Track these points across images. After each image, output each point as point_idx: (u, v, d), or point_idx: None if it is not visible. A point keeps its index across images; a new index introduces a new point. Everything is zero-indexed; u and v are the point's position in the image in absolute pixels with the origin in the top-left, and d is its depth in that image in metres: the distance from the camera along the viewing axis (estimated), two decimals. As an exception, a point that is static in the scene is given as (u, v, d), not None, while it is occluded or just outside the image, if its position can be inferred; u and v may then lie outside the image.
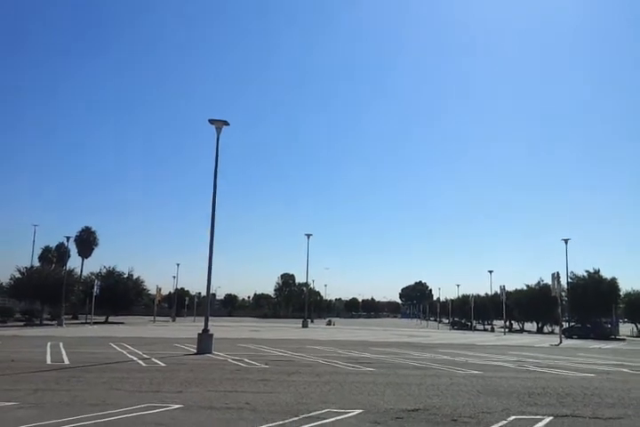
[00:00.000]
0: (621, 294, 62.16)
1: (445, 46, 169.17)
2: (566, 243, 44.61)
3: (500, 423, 8.31)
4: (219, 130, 22.76)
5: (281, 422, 8.01)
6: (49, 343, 23.50)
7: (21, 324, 48.66)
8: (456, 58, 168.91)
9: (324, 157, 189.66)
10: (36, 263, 67.73)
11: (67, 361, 16.79)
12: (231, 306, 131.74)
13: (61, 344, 23.20)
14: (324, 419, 8.34)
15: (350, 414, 8.79)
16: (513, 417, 8.85)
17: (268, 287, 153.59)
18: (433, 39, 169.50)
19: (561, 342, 36.26)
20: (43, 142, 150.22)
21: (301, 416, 8.51)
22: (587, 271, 61.33)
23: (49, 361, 16.79)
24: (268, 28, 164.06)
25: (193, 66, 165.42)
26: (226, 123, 22.75)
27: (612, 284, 60.00)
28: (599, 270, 61.03)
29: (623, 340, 47.63)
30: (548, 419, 8.77)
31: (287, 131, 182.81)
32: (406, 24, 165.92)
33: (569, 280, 56.85)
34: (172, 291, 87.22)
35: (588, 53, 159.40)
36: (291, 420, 8.23)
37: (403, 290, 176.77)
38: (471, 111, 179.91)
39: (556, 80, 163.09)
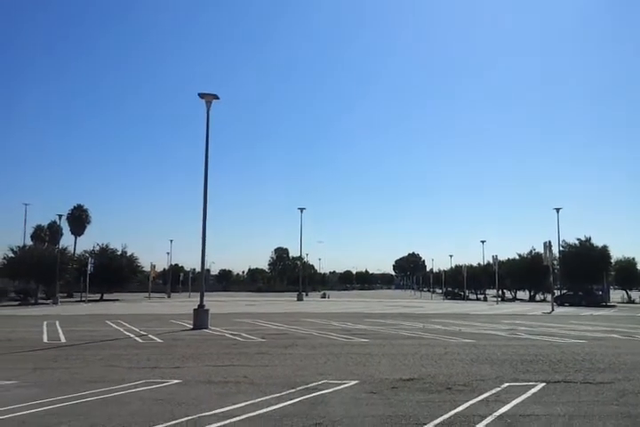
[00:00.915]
0: (612, 261, 62.91)
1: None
2: (558, 212, 44.86)
3: (494, 390, 8.47)
4: (209, 104, 22.48)
5: (279, 395, 8.12)
6: (45, 322, 23.57)
7: (16, 303, 48.69)
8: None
9: (317, 131, 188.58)
10: (29, 242, 67.67)
11: (64, 339, 16.87)
12: (226, 281, 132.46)
13: (57, 323, 23.28)
14: (322, 390, 8.46)
15: (347, 385, 8.92)
16: (506, 384, 9.01)
17: (263, 262, 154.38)
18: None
19: (553, 310, 36.76)
20: (34, 120, 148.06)
21: (299, 388, 8.63)
22: (578, 240, 61.90)
23: (46, 340, 16.85)
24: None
25: (190, 47, 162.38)
26: (215, 97, 22.46)
27: (604, 251, 60.62)
28: (590, 238, 61.63)
29: (614, 306, 48.38)
30: (540, 385, 8.95)
31: (281, 106, 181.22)
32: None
33: (560, 249, 57.44)
34: (167, 267, 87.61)
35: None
36: (288, 392, 8.34)
37: (396, 262, 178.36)
38: (470, 85, 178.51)
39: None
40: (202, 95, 22.39)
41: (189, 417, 6.73)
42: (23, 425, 6.42)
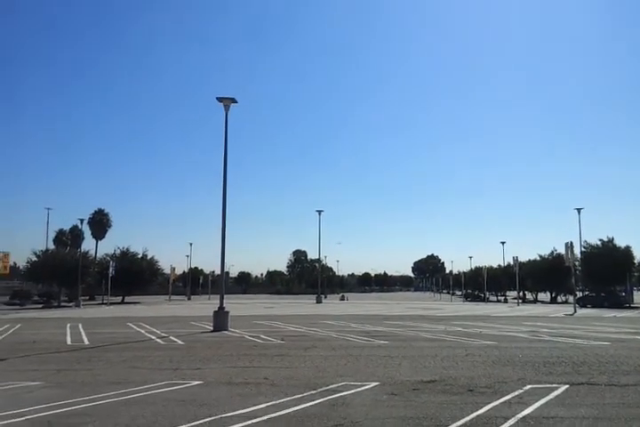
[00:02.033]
0: (636, 262, 61.88)
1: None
2: (579, 212, 44.32)
3: (516, 393, 8.39)
4: (227, 107, 22.65)
5: (300, 396, 8.13)
6: (68, 324, 23.88)
7: (40, 306, 49.44)
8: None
9: (335, 131, 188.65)
10: (51, 246, 68.58)
11: (86, 341, 17.08)
12: (245, 284, 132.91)
13: (80, 325, 23.57)
14: (342, 392, 8.45)
15: (367, 387, 8.90)
16: (529, 386, 8.92)
17: (281, 264, 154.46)
18: None
19: (575, 312, 36.30)
20: (54, 126, 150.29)
21: (319, 390, 8.64)
22: (600, 240, 60.99)
23: (69, 342, 17.08)
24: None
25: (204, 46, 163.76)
26: (234, 100, 22.63)
27: (627, 252, 59.62)
28: (613, 239, 60.65)
29: (638, 308, 47.61)
30: (563, 387, 8.84)
31: (297, 107, 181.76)
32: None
33: (582, 249, 56.60)
34: (186, 270, 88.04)
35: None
36: (309, 393, 8.35)
37: (415, 264, 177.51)
38: (492, 82, 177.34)
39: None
40: (220, 99, 22.57)
41: (212, 418, 6.78)
42: (48, 425, 6.52)
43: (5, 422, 6.67)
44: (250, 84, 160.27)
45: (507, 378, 9.75)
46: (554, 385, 9.02)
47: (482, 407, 7.33)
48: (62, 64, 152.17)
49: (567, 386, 8.94)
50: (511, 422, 6.59)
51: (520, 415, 6.88)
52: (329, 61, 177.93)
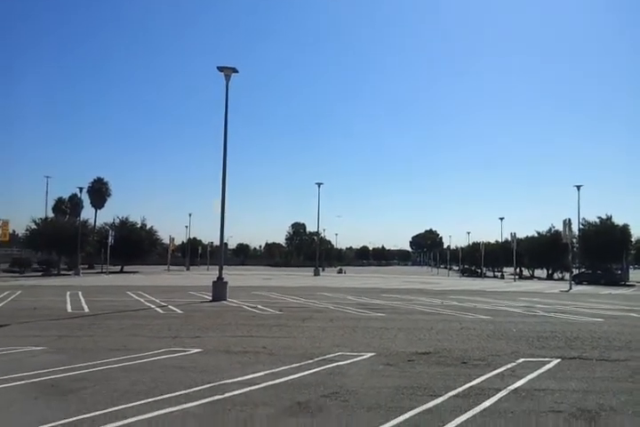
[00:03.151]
0: (633, 240, 62.17)
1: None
2: (578, 189, 44.37)
3: (509, 365, 8.56)
4: (228, 77, 22.43)
5: (297, 365, 8.29)
6: (68, 292, 24.11)
7: (39, 274, 49.77)
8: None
9: (335, 105, 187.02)
10: (50, 214, 68.65)
11: (86, 309, 17.28)
12: (243, 255, 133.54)
13: (80, 293, 23.80)
14: (339, 361, 8.62)
15: (363, 357, 9.07)
16: (522, 360, 9.10)
17: (280, 236, 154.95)
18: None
19: (571, 288, 36.64)
20: (54, 94, 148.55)
21: (316, 359, 8.80)
22: (599, 218, 61.14)
23: (69, 309, 17.28)
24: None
25: (212, 16, 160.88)
26: (234, 70, 22.40)
27: (624, 230, 59.84)
28: (611, 217, 60.77)
29: (633, 286, 48.02)
30: (555, 361, 9.02)
31: (299, 81, 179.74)
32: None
33: (580, 227, 56.82)
34: (185, 240, 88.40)
35: None
36: (306, 362, 8.52)
37: (413, 238, 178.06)
38: (492, 71, 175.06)
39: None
40: (221, 68, 22.33)
41: (211, 384, 6.92)
42: (51, 389, 6.67)
43: (10, 384, 6.82)
44: (251, 54, 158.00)
45: (500, 351, 9.93)
46: (546, 359, 9.19)
47: (475, 379, 7.49)
48: (61, 35, 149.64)
49: (559, 360, 9.12)
50: (503, 393, 6.74)
51: (512, 387, 7.04)
52: (336, 30, 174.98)
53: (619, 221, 61.04)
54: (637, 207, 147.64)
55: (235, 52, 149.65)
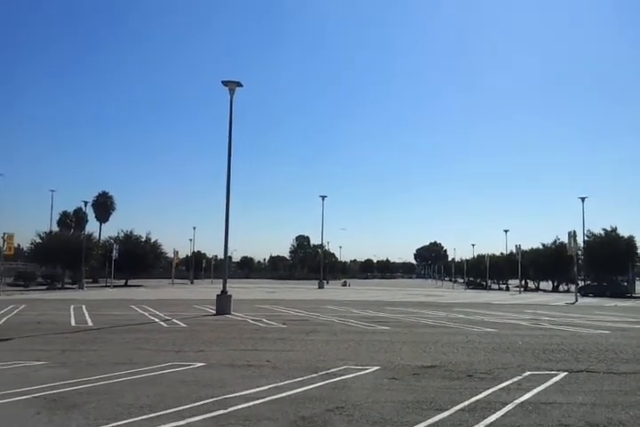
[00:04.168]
0: (638, 252, 61.84)
1: None
2: (583, 201, 44.19)
3: (516, 379, 8.48)
4: (232, 91, 22.56)
5: (301, 379, 8.23)
6: (72, 306, 24.06)
7: (44, 288, 49.77)
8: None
9: (337, 119, 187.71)
10: (55, 228, 68.87)
11: (90, 323, 17.24)
12: (248, 268, 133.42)
13: (84, 307, 23.76)
14: (343, 375, 8.56)
15: (368, 371, 9.00)
16: (528, 373, 9.01)
17: (284, 249, 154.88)
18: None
19: (577, 301, 36.40)
20: (58, 107, 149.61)
21: (320, 373, 8.74)
22: (604, 230, 60.90)
23: (73, 323, 17.24)
24: None
25: (212, 26, 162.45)
26: (239, 84, 22.52)
27: (630, 242, 59.58)
28: (616, 229, 60.54)
29: (639, 298, 47.70)
30: (562, 374, 8.93)
31: (303, 93, 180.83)
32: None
33: (585, 239, 56.55)
34: (189, 254, 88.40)
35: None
36: (310, 376, 8.46)
37: (417, 251, 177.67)
38: (494, 79, 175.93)
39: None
40: (225, 83, 22.46)
41: (215, 398, 6.88)
42: (54, 403, 6.63)
43: (13, 399, 6.79)
44: (255, 69, 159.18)
45: (506, 364, 9.84)
46: (553, 372, 9.11)
47: (481, 392, 7.42)
48: (65, 47, 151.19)
49: (566, 373, 9.03)
50: (509, 407, 6.67)
51: (518, 401, 6.97)
52: (339, 42, 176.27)
53: (624, 232, 60.79)
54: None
55: (239, 64, 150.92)
